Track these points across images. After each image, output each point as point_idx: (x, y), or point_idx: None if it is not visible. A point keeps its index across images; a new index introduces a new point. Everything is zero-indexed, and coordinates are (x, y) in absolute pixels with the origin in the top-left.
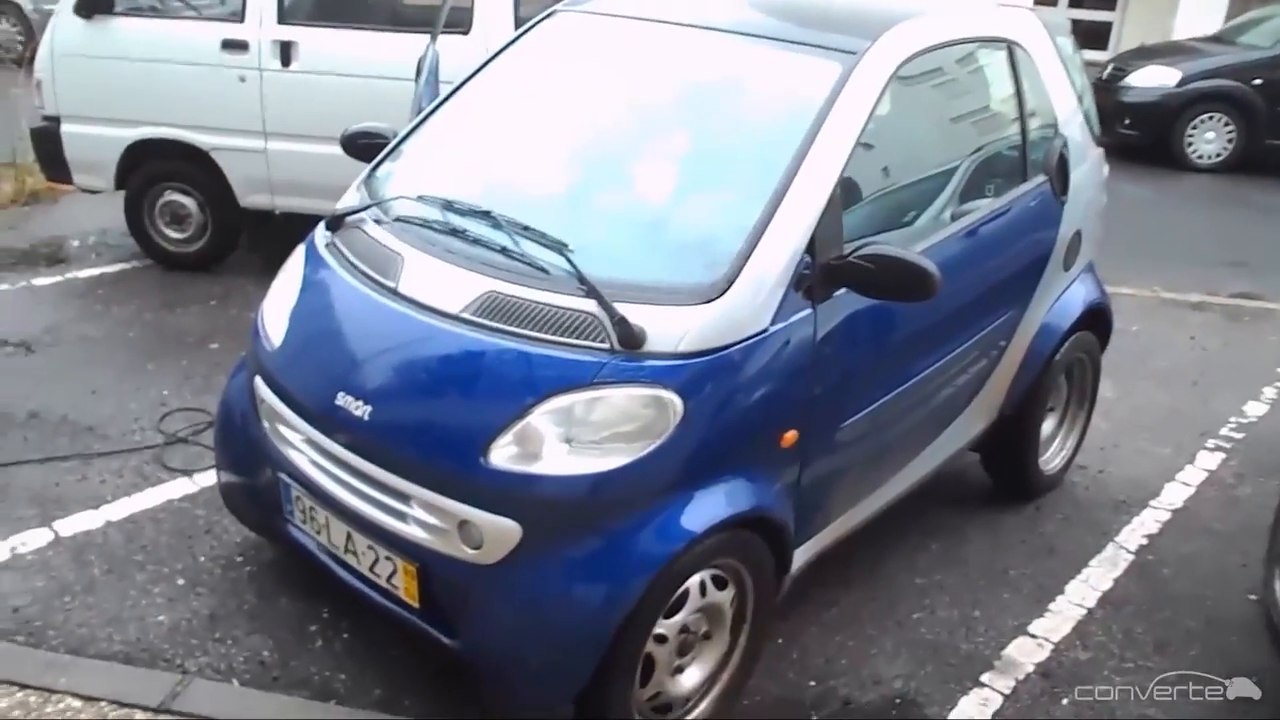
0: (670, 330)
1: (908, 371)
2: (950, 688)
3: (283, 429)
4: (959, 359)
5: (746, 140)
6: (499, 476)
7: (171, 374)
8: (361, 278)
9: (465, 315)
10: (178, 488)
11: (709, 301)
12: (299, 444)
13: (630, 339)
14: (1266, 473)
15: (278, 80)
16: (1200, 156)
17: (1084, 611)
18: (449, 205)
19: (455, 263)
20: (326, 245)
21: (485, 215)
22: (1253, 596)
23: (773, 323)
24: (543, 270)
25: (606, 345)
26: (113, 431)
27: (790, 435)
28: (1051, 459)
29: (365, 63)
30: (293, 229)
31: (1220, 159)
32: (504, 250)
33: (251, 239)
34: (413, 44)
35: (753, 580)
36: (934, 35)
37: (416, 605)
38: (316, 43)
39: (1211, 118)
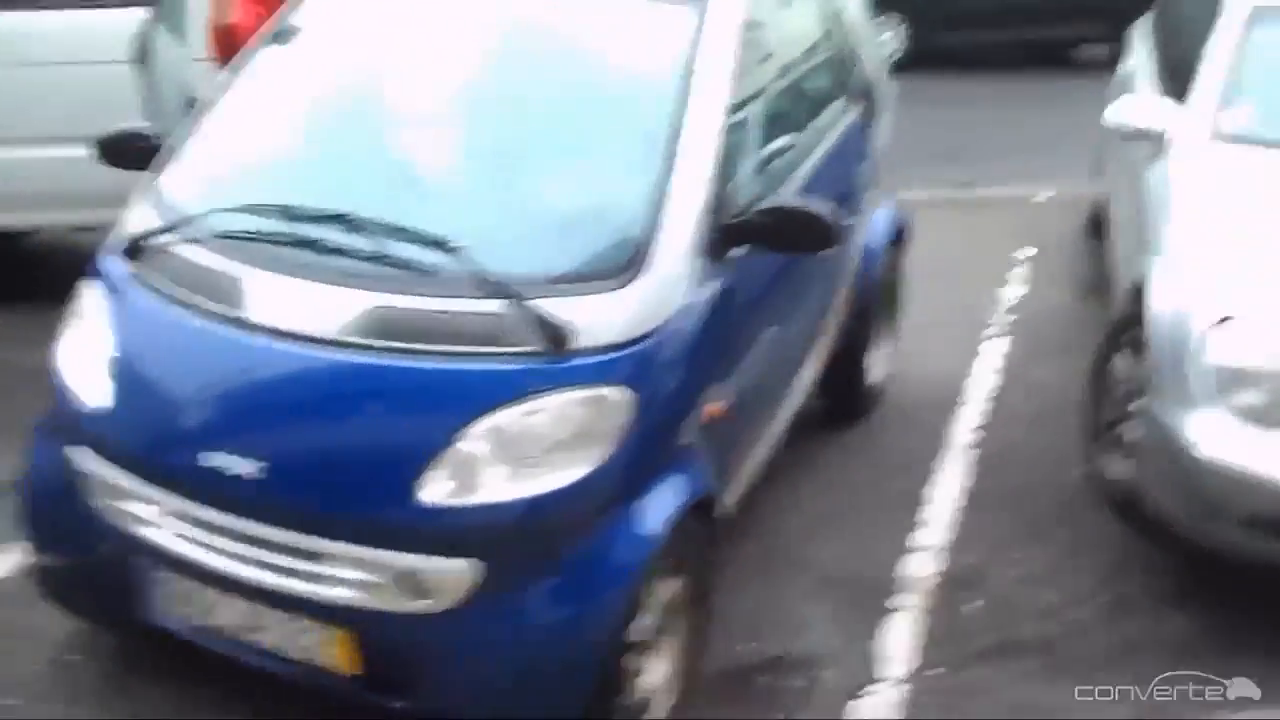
0: (597, 320)
1: (786, 310)
2: (870, 617)
3: (130, 506)
4: (820, 287)
5: (617, 101)
6: (435, 515)
7: None
8: (194, 311)
9: (347, 338)
10: None
11: (629, 282)
12: (157, 519)
13: (557, 338)
14: (1049, 352)
15: None
16: None
17: (954, 514)
18: (289, 212)
19: (315, 278)
20: (132, 278)
21: (339, 219)
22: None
23: (693, 291)
24: (430, 273)
25: (530, 349)
26: None
27: (716, 405)
28: (874, 372)
29: (65, 46)
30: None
31: (897, 58)
32: (377, 257)
33: None
34: (124, 20)
35: (694, 563)
36: None
37: (355, 673)
38: None
39: (884, 18)
